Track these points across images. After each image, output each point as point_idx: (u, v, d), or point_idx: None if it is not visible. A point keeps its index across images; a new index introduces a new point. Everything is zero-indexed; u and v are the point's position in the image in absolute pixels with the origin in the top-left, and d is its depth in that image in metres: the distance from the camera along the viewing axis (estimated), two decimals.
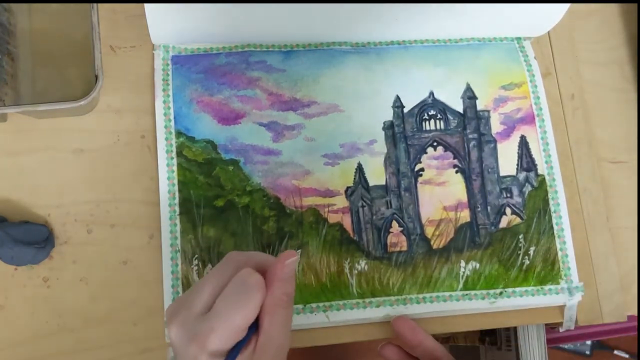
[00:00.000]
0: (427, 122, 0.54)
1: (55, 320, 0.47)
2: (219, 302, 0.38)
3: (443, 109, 0.54)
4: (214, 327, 0.36)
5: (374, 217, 0.51)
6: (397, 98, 0.54)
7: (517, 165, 0.54)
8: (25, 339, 0.47)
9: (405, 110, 0.54)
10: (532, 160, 0.54)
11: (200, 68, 0.52)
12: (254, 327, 0.38)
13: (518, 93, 0.56)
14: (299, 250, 0.49)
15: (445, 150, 0.54)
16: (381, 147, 0.53)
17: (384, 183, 0.52)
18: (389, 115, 0.54)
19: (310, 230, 0.50)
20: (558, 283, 0.52)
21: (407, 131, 0.54)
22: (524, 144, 0.55)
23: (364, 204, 0.51)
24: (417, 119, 0.54)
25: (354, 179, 0.52)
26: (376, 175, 0.52)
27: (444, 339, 0.84)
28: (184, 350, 0.37)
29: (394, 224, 0.52)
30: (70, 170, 0.50)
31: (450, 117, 0.54)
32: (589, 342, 1.32)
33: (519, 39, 0.58)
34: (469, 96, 0.55)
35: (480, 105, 0.55)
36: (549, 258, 0.52)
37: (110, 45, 0.53)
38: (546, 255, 0.52)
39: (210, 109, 0.51)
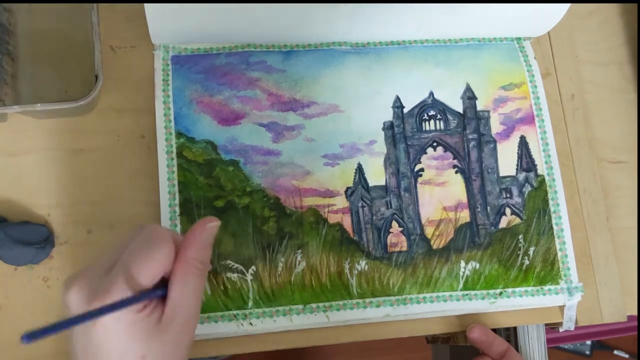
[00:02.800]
0: (427, 123, 0.54)
1: (55, 320, 0.47)
2: (123, 255, 0.34)
3: (443, 109, 0.54)
4: (116, 280, 0.33)
5: (374, 217, 0.51)
6: (397, 98, 0.54)
7: (517, 165, 0.54)
8: None
9: (405, 110, 0.54)
10: (532, 161, 0.54)
11: (200, 68, 0.52)
12: (160, 294, 0.36)
13: (518, 93, 0.56)
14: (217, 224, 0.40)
15: (445, 151, 0.54)
16: (381, 147, 0.53)
17: (383, 183, 0.52)
18: (388, 115, 0.54)
19: (310, 230, 0.50)
20: (558, 283, 0.52)
21: (407, 131, 0.54)
22: (523, 144, 0.55)
23: (364, 204, 0.51)
24: (417, 119, 0.54)
25: (354, 179, 0.52)
26: (376, 176, 0.52)
27: (444, 339, 0.84)
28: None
29: (394, 224, 0.52)
30: (70, 170, 0.50)
31: (450, 117, 0.54)
32: (589, 342, 1.32)
33: (519, 39, 0.58)
34: (469, 96, 0.55)
35: (480, 105, 0.55)
36: (549, 258, 0.52)
37: (110, 45, 0.53)
38: (546, 256, 0.52)
39: (210, 109, 0.51)
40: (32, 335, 0.30)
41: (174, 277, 0.36)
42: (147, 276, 0.34)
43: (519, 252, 0.52)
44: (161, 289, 0.36)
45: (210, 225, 0.37)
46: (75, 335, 0.34)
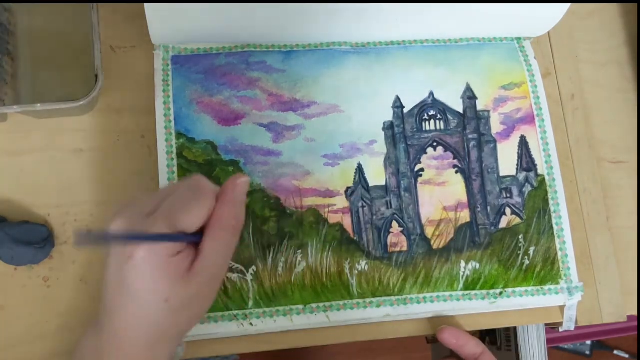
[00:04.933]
0: (427, 123, 0.54)
1: (55, 320, 0.47)
2: (166, 202, 0.36)
3: (443, 109, 0.54)
4: (157, 223, 0.35)
5: (374, 217, 0.51)
6: (397, 98, 0.54)
7: (517, 165, 0.54)
8: (25, 339, 0.47)
9: (405, 110, 0.54)
10: (532, 160, 0.54)
11: (201, 68, 0.52)
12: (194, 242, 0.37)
13: (518, 93, 0.56)
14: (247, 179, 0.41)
15: (445, 151, 0.54)
16: (381, 147, 0.53)
17: (384, 183, 0.52)
18: (389, 115, 0.54)
19: (310, 230, 0.50)
20: (558, 283, 0.52)
21: (407, 131, 0.54)
22: (523, 144, 0.55)
23: (364, 204, 0.51)
24: (417, 119, 0.54)
25: (354, 179, 0.52)
26: (376, 176, 0.52)
27: None
28: (121, 247, 0.35)
29: (394, 224, 0.52)
30: (70, 170, 0.50)
31: (450, 117, 0.54)
32: (589, 342, 1.32)
33: (519, 39, 0.58)
34: (469, 96, 0.55)
35: (480, 105, 0.55)
36: (549, 258, 0.52)
37: (110, 45, 0.53)
38: (546, 255, 0.52)
39: (210, 109, 0.51)
40: (84, 239, 0.35)
41: (207, 232, 0.37)
42: (186, 226, 0.36)
43: (519, 252, 0.52)
44: (197, 236, 0.37)
45: (241, 182, 0.38)
46: (109, 272, 0.36)
